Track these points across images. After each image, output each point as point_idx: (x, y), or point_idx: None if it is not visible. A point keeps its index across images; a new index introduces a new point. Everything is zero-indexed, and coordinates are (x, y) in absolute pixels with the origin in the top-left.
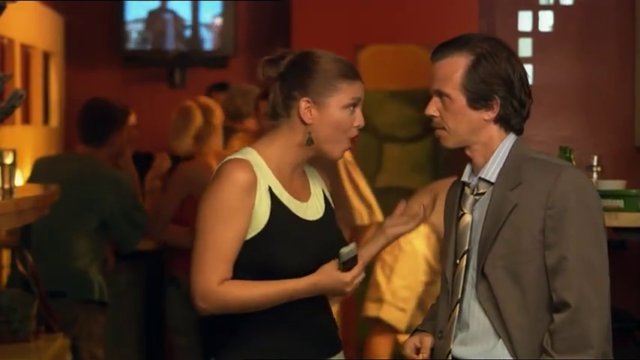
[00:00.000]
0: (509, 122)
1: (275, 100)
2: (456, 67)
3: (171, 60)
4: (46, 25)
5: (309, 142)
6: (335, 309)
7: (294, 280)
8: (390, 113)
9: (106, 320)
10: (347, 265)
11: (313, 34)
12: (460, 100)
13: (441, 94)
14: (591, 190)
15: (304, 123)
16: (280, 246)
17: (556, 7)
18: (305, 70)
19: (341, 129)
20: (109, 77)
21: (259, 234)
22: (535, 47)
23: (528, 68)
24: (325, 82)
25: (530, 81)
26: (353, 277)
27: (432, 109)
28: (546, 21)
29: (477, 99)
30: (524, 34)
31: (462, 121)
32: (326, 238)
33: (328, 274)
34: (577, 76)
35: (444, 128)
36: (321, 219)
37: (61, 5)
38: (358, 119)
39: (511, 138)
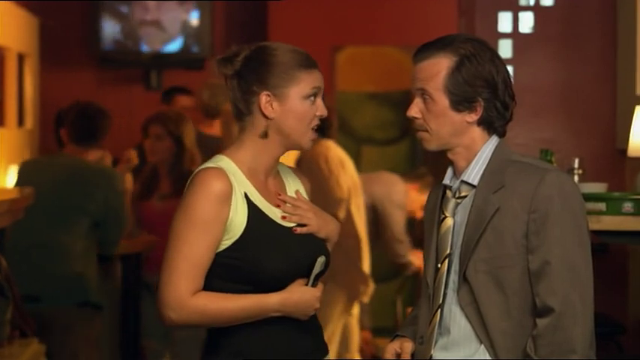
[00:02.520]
0: (493, 124)
1: (235, 97)
2: (438, 68)
3: (146, 61)
4: (21, 26)
5: (264, 135)
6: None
7: (264, 295)
8: (367, 115)
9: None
10: (315, 279)
11: (290, 35)
12: (443, 101)
13: (423, 95)
14: (576, 194)
15: (266, 117)
16: (259, 252)
17: (536, 8)
18: (262, 64)
19: (304, 120)
20: (85, 79)
21: (237, 241)
22: (515, 48)
23: (508, 69)
24: (283, 74)
25: None
26: (321, 291)
27: (414, 110)
28: (526, 22)
29: (460, 101)
30: (504, 35)
31: (445, 123)
32: (306, 243)
33: (298, 289)
34: (558, 77)
35: (427, 130)
36: (298, 224)
37: (36, 6)
38: (320, 108)
39: (494, 140)
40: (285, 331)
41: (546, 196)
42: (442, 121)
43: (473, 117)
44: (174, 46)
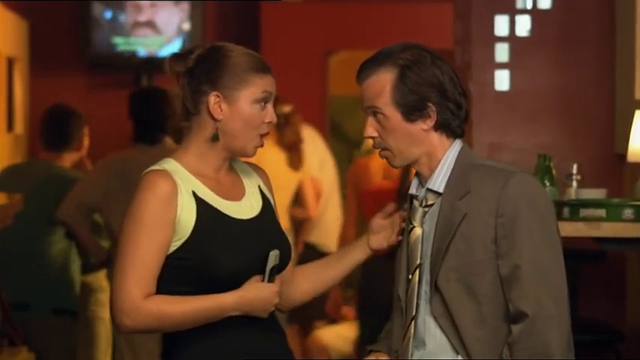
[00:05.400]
0: (450, 126)
1: (184, 96)
2: (382, 83)
3: (137, 64)
4: (10, 29)
5: (215, 138)
6: None
7: (221, 295)
8: (360, 120)
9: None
10: (271, 274)
11: (283, 39)
12: (395, 115)
13: (375, 113)
14: (542, 195)
15: (214, 119)
16: (210, 249)
17: (533, 11)
18: (214, 64)
19: (251, 125)
20: (75, 83)
21: (187, 241)
22: (512, 52)
23: (505, 74)
24: (235, 76)
25: (506, 87)
26: (279, 286)
27: (370, 130)
28: (523, 25)
29: (411, 111)
30: (501, 39)
31: (402, 136)
32: (265, 236)
33: (254, 287)
34: (555, 81)
35: (387, 148)
36: (257, 217)
37: (26, 9)
38: (269, 115)
39: (457, 146)
40: (245, 338)
41: (512, 200)
42: (399, 135)
43: (428, 123)
44: (166, 48)
